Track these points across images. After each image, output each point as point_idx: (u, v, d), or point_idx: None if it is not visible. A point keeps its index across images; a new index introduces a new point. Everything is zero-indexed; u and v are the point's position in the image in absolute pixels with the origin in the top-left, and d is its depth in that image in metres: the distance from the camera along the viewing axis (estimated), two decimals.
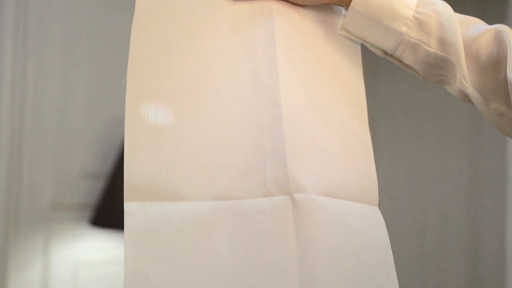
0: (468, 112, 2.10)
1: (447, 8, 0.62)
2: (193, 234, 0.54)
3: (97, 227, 1.77)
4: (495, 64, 0.60)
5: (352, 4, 0.62)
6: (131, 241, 0.53)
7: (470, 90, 0.61)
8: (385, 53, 0.66)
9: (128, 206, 0.53)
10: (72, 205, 1.88)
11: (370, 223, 0.60)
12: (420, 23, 0.61)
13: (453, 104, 2.14)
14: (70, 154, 1.89)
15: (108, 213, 1.74)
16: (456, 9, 0.64)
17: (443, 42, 0.61)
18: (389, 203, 2.33)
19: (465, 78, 0.61)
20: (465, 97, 0.64)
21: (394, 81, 2.33)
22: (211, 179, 0.56)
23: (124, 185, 0.53)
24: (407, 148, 2.31)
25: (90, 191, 1.90)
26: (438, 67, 0.63)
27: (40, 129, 1.84)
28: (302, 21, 0.63)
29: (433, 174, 2.21)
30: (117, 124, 1.94)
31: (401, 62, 0.66)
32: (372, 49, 0.66)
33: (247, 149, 0.57)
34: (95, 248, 1.91)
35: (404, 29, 0.62)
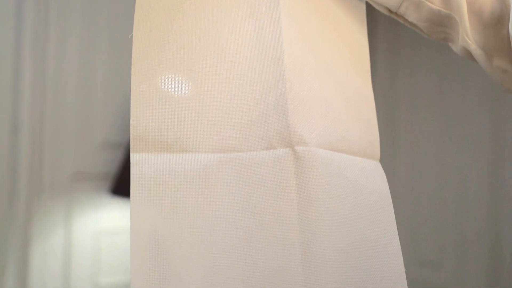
0: (490, 81, 2.08)
1: None
2: (196, 185, 0.56)
3: (117, 196, 1.81)
4: (498, 20, 0.61)
5: None
6: (137, 190, 0.55)
7: (473, 47, 0.62)
8: (390, 11, 0.66)
9: (135, 157, 0.55)
10: (93, 175, 1.92)
11: (370, 177, 0.61)
12: None
13: (475, 74, 2.12)
14: (91, 125, 1.93)
15: (128, 182, 1.77)
16: None
17: None
18: (408, 174, 2.33)
19: (468, 35, 0.61)
20: (469, 54, 0.64)
21: (415, 51, 2.32)
22: (215, 132, 0.57)
23: (131, 137, 0.55)
24: (428, 117, 2.30)
25: (111, 161, 1.93)
26: (442, 24, 0.63)
27: (62, 100, 1.88)
28: None
29: (454, 143, 2.19)
30: None
31: (405, 20, 0.66)
32: (376, 7, 0.67)
33: (250, 103, 0.58)
34: (115, 217, 1.95)
35: None
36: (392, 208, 0.61)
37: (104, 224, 1.94)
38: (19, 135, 1.80)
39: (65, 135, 1.88)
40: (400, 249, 0.60)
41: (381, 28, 2.40)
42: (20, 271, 1.81)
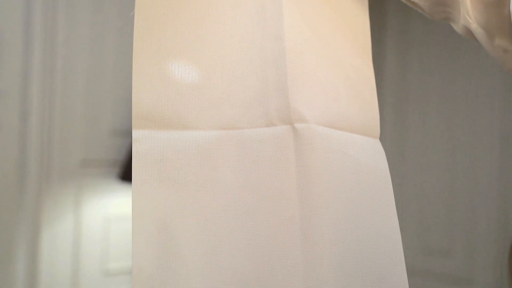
0: (500, 75, 2.08)
1: None
2: (197, 161, 0.57)
3: (126, 183, 1.83)
4: (499, 0, 0.61)
5: None
6: (139, 166, 0.56)
7: (474, 26, 0.62)
8: None
9: (136, 133, 0.56)
10: (101, 161, 1.94)
11: (369, 154, 0.61)
12: None
13: (486, 68, 2.11)
14: (100, 112, 1.94)
15: None
16: None
17: None
18: (418, 163, 2.33)
19: (469, 14, 0.61)
20: (470, 34, 0.64)
21: (425, 45, 2.31)
22: (215, 109, 0.58)
23: (132, 113, 0.56)
24: (438, 103, 2.29)
25: (119, 148, 1.95)
26: (443, 3, 0.64)
27: (71, 87, 1.89)
28: None
29: (464, 133, 2.19)
30: None
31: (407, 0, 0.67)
32: None
33: (251, 81, 0.59)
34: (124, 203, 1.97)
35: None
36: (391, 185, 0.61)
37: (113, 210, 1.95)
38: (28, 122, 1.82)
39: (74, 122, 1.89)
40: (398, 225, 0.60)
41: (391, 22, 2.40)
42: (30, 257, 1.83)
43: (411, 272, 2.40)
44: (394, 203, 0.61)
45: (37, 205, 1.84)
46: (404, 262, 0.60)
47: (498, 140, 2.09)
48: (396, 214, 0.61)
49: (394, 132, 2.47)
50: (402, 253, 0.60)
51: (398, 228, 0.61)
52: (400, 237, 0.60)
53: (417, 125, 2.35)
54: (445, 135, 2.23)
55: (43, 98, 1.84)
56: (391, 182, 0.61)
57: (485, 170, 2.11)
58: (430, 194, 2.29)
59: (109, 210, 1.95)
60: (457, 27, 0.66)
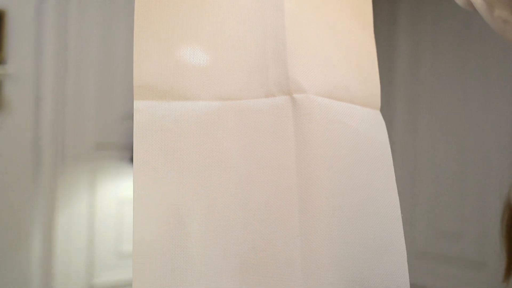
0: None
1: None
2: (197, 131, 0.58)
3: None
4: None
5: None
6: (140, 136, 0.57)
7: None
8: None
9: (137, 104, 0.57)
10: (115, 145, 1.96)
11: (369, 125, 0.62)
12: None
13: (498, 52, 2.09)
14: (113, 97, 1.96)
15: None
16: None
17: None
18: (430, 145, 2.32)
19: None
20: (470, 5, 0.64)
21: (437, 27, 2.29)
22: (216, 80, 0.59)
23: (134, 84, 0.57)
24: (450, 83, 2.28)
25: (132, 131, 1.97)
26: None
27: (84, 71, 1.91)
28: None
29: (476, 115, 2.18)
30: None
31: None
32: None
33: (251, 52, 0.60)
34: None
35: None
36: (391, 156, 0.62)
37: (126, 192, 1.98)
38: (42, 105, 1.84)
39: (87, 106, 1.91)
40: (397, 196, 0.61)
41: (403, 3, 2.39)
42: (45, 238, 1.86)
43: (423, 255, 2.40)
44: (393, 174, 0.61)
45: (52, 188, 1.87)
46: (402, 232, 0.61)
47: (510, 121, 2.07)
48: (396, 185, 0.61)
49: (405, 116, 2.47)
50: (401, 223, 0.60)
51: (397, 198, 0.61)
52: (399, 207, 0.61)
53: (429, 110, 2.34)
54: (457, 118, 2.22)
55: (57, 82, 1.86)
56: (390, 153, 0.62)
57: (497, 152, 2.10)
58: (442, 177, 2.28)
59: (123, 193, 1.98)
60: None
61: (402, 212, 0.59)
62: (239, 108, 0.59)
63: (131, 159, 1.90)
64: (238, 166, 0.58)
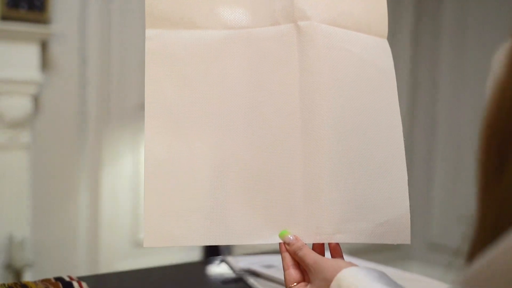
0: None
1: None
2: (206, 57, 0.61)
3: None
4: None
5: None
6: (152, 63, 0.60)
7: None
8: None
9: (149, 32, 0.61)
10: None
11: (374, 53, 0.63)
12: None
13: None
14: None
15: None
16: None
17: None
18: (449, 123, 2.31)
19: None
20: None
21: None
22: (224, 10, 0.62)
23: (145, 13, 0.61)
24: (473, 63, 2.25)
25: None
26: None
27: (128, 31, 1.96)
28: None
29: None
30: None
31: None
32: None
33: None
34: None
35: None
36: (395, 82, 0.63)
37: None
38: (87, 66, 1.90)
39: (131, 67, 1.96)
40: (400, 120, 0.62)
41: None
42: (92, 192, 1.94)
43: (441, 245, 2.36)
44: (397, 99, 0.63)
45: (98, 146, 1.94)
46: (404, 157, 0.62)
47: None
48: (399, 111, 0.63)
49: (426, 82, 2.46)
50: (403, 149, 0.62)
51: (400, 125, 0.63)
52: (401, 134, 0.62)
53: (451, 78, 2.32)
54: (479, 89, 2.19)
55: (102, 42, 1.92)
56: (395, 81, 0.63)
57: None
58: (461, 157, 2.26)
59: None
60: None
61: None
62: (246, 36, 0.62)
63: None
64: (244, 91, 0.61)
